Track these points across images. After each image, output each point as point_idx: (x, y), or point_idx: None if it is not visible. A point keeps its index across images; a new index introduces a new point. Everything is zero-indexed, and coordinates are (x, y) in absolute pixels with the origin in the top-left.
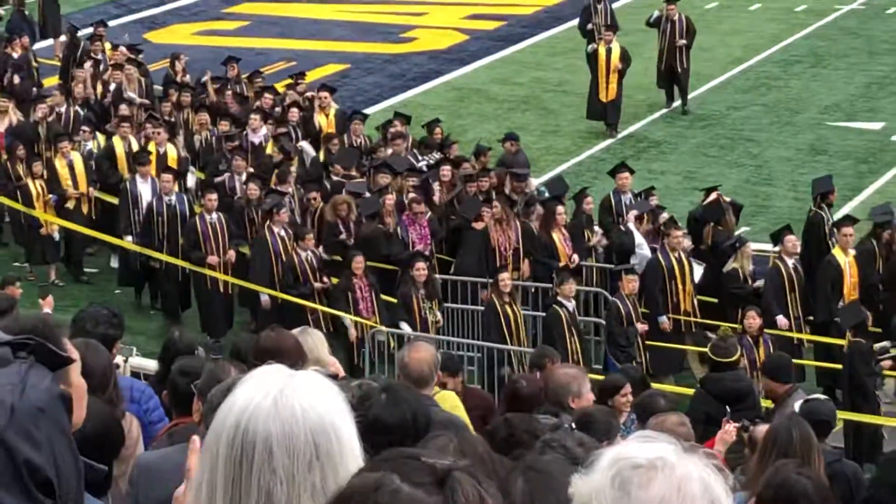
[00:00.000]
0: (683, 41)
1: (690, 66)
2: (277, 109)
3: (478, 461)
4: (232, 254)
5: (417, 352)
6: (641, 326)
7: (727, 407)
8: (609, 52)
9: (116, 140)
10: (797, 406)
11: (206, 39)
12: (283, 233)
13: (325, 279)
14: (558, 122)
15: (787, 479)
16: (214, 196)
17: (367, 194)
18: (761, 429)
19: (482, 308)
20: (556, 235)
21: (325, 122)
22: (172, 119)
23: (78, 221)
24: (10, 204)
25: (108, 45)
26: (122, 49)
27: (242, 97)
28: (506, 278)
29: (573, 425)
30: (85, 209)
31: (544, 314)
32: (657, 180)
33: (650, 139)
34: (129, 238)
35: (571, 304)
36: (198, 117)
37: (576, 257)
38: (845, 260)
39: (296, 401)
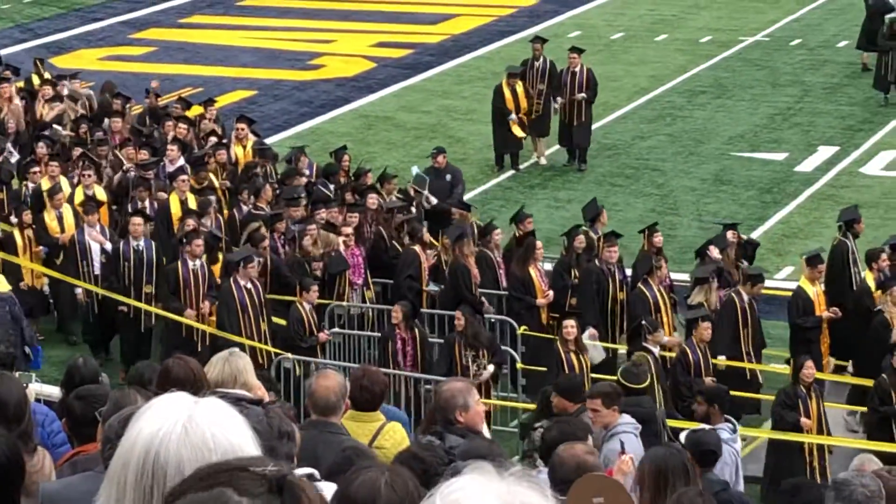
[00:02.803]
0: (582, 95)
1: (591, 121)
2: (189, 136)
3: (408, 497)
4: (207, 305)
5: (325, 380)
6: (710, 380)
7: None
8: (514, 93)
9: (45, 181)
10: (682, 436)
11: (113, 65)
12: (248, 285)
13: (327, 331)
14: (465, 151)
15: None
16: (200, 241)
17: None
18: None
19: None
20: (532, 271)
21: (241, 153)
22: (105, 159)
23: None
24: None
25: (35, 79)
26: (67, 83)
27: (139, 132)
28: (569, 325)
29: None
30: None
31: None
32: (563, 209)
33: (556, 168)
34: (79, 291)
35: (657, 351)
36: (140, 154)
37: (551, 293)
38: (814, 290)
39: (206, 427)
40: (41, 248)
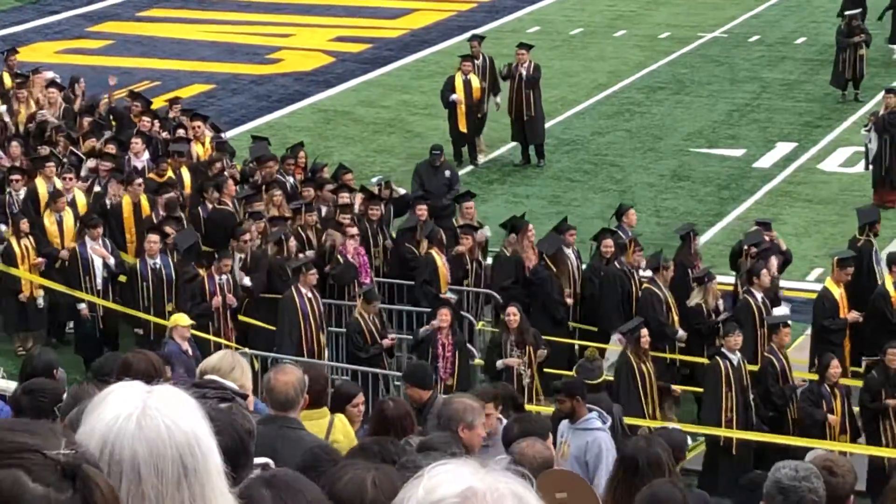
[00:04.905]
0: (525, 68)
1: (542, 114)
2: (165, 134)
3: (394, 496)
4: (233, 300)
5: (284, 374)
6: (800, 382)
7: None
8: (468, 83)
9: (40, 182)
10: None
11: (70, 58)
12: (309, 294)
13: (390, 337)
14: (424, 146)
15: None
16: (228, 261)
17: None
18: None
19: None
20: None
21: (201, 150)
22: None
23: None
24: None
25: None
26: (46, 75)
27: (100, 125)
28: (646, 334)
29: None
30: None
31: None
32: (522, 204)
33: (515, 163)
34: (83, 306)
35: (736, 358)
36: (107, 148)
37: (569, 298)
38: (839, 292)
39: (160, 419)
40: (40, 259)
